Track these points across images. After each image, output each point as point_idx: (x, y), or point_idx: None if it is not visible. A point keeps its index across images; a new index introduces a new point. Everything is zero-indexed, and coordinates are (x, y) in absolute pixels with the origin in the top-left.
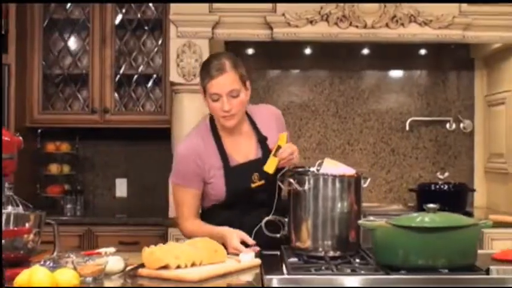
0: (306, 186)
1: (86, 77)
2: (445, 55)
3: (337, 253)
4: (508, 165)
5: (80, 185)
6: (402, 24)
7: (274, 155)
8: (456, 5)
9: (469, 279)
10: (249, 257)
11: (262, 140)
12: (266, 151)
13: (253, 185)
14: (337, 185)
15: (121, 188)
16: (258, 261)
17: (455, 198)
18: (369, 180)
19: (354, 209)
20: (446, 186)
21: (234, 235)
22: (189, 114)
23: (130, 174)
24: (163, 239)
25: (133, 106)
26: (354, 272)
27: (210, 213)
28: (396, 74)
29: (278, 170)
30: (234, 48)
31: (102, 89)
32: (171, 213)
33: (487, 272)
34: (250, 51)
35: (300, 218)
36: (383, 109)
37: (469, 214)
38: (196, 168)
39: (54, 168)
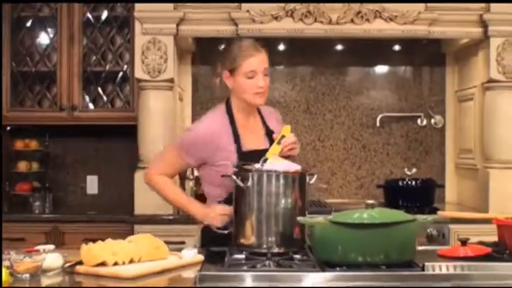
0: (249, 183)
1: (54, 75)
2: (417, 51)
3: (281, 249)
4: (476, 160)
5: (49, 183)
6: (367, 20)
7: (278, 143)
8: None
9: (403, 275)
10: (191, 254)
11: (269, 133)
12: (272, 143)
13: None
14: (281, 181)
15: (92, 185)
16: (201, 257)
17: (423, 194)
18: (315, 177)
19: (298, 205)
20: (413, 182)
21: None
22: (155, 110)
23: (102, 171)
24: (129, 235)
25: (101, 103)
26: (290, 268)
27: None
28: (367, 70)
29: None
30: (206, 44)
31: (70, 87)
32: (137, 210)
33: (423, 268)
34: (222, 47)
35: (244, 214)
36: (354, 105)
37: (436, 210)
38: (204, 148)
39: (23, 166)
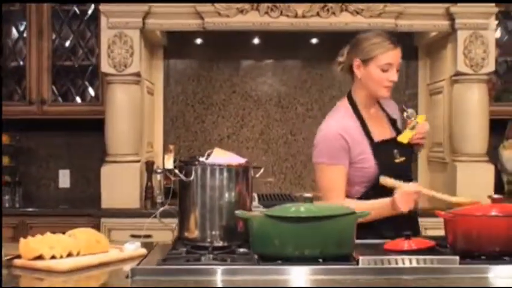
0: (192, 177)
1: (24, 69)
2: None
3: (225, 243)
4: (445, 154)
5: (21, 177)
6: (333, 13)
7: (411, 128)
8: None
9: (336, 269)
10: (132, 247)
11: (392, 122)
12: (398, 131)
13: (396, 161)
14: (224, 174)
15: (64, 179)
16: (143, 251)
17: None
18: (262, 170)
19: (242, 199)
20: None
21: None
22: (122, 104)
23: (74, 165)
24: (97, 229)
25: (71, 97)
26: (224, 261)
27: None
28: None
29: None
30: (178, 38)
31: (39, 80)
32: (104, 203)
33: (357, 262)
34: (198, 40)
35: (188, 208)
36: (326, 98)
37: None
38: (345, 143)
39: None
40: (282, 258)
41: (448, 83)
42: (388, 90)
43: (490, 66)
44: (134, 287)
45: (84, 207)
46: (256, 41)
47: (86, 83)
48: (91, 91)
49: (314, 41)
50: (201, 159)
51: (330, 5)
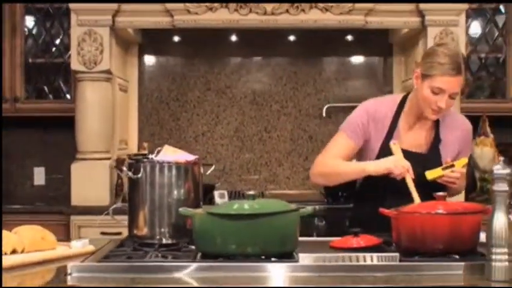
0: (141, 174)
1: None
2: (365, 41)
3: (173, 240)
4: None
5: None
6: (303, 10)
7: (443, 169)
8: None
9: (275, 266)
10: (79, 244)
11: (436, 141)
12: (434, 152)
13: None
14: (173, 171)
15: (39, 176)
16: (91, 248)
17: None
18: (213, 167)
19: (191, 196)
20: None
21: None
22: (92, 101)
23: (48, 162)
24: (66, 227)
25: (44, 95)
26: (164, 258)
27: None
28: (314, 60)
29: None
30: (153, 36)
31: (12, 78)
32: (74, 201)
33: (297, 259)
34: (174, 38)
35: (137, 205)
36: (300, 96)
37: None
38: (366, 124)
39: None
40: (224, 255)
41: None
42: (434, 113)
43: None
44: (70, 286)
45: (59, 204)
46: (231, 38)
47: (59, 80)
48: (64, 88)
49: (291, 38)
50: (151, 156)
51: (299, 2)
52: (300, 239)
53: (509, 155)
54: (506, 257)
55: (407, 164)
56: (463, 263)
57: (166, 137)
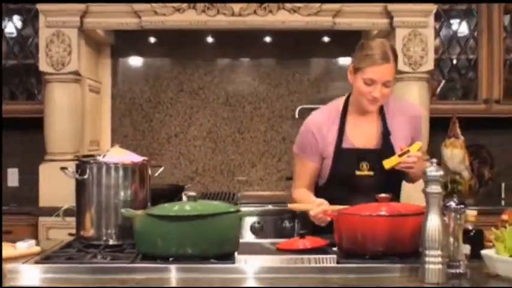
0: (87, 175)
1: None
2: (339, 42)
3: (119, 241)
4: None
5: None
6: (271, 12)
7: (400, 155)
8: None
9: (211, 268)
10: (25, 245)
11: (385, 134)
12: (387, 145)
13: (358, 172)
14: (120, 173)
15: (13, 177)
16: (37, 249)
17: None
18: (162, 168)
19: (138, 197)
20: None
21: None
22: (61, 103)
23: (22, 163)
24: (35, 227)
25: (16, 96)
26: (104, 259)
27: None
28: (287, 61)
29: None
30: (127, 37)
31: None
32: (42, 202)
33: (234, 261)
34: (146, 39)
35: (84, 207)
36: (273, 97)
37: None
38: (314, 141)
39: None
40: (165, 257)
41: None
42: (371, 104)
43: (429, 65)
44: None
45: (31, 205)
46: (204, 39)
47: (31, 81)
48: (36, 90)
49: (265, 39)
50: (99, 157)
51: (267, 2)
52: (249, 240)
53: (482, 156)
54: (440, 259)
55: (316, 210)
56: (399, 265)
57: (140, 138)
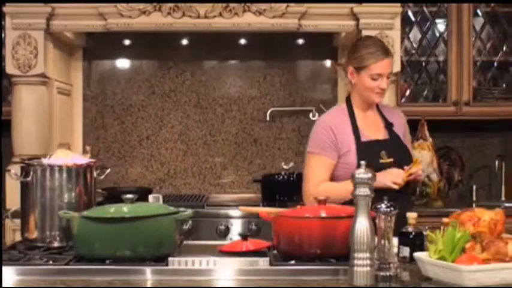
0: (30, 177)
1: None
2: (311, 44)
3: (63, 243)
4: None
5: None
6: (236, 14)
7: (408, 175)
8: None
9: (142, 270)
10: None
11: (389, 126)
12: (393, 135)
13: (381, 161)
14: (63, 175)
15: None
16: None
17: (298, 188)
18: (108, 170)
19: (82, 199)
20: (288, 177)
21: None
22: (27, 105)
23: None
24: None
25: None
26: (40, 260)
27: None
28: (259, 63)
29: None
30: (99, 39)
31: None
32: (8, 204)
33: (167, 263)
34: (121, 42)
35: (28, 209)
36: (245, 100)
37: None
38: (333, 137)
39: None
40: (102, 259)
41: None
42: (379, 96)
43: (396, 67)
44: None
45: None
46: (176, 41)
47: (1, 84)
48: (5, 92)
49: (238, 41)
50: (43, 160)
51: (232, 5)
52: (194, 242)
53: (452, 158)
54: (368, 261)
55: (402, 177)
56: (332, 267)
57: (111, 140)
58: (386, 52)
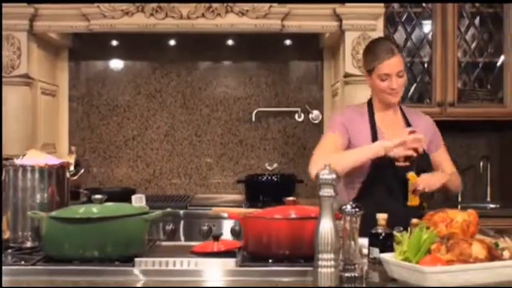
0: (3, 177)
1: None
2: (298, 45)
3: (35, 243)
4: None
5: None
6: (219, 15)
7: (413, 192)
8: None
9: (108, 270)
10: None
11: (409, 126)
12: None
13: (397, 163)
14: (36, 175)
15: None
16: None
17: (282, 189)
18: (82, 170)
19: (55, 200)
20: (272, 178)
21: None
22: (11, 106)
23: None
24: None
25: None
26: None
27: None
28: (245, 64)
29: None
30: (85, 40)
31: None
32: None
33: (133, 264)
34: (114, 42)
35: (0, 209)
36: (231, 100)
37: None
38: (347, 124)
39: None
40: (71, 259)
41: (341, 84)
42: (393, 96)
43: None
44: None
45: None
46: (162, 42)
47: None
48: None
49: (224, 42)
50: (15, 160)
51: (215, 6)
52: (167, 243)
53: None
54: (332, 262)
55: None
56: (297, 269)
57: (97, 141)
58: (392, 51)
